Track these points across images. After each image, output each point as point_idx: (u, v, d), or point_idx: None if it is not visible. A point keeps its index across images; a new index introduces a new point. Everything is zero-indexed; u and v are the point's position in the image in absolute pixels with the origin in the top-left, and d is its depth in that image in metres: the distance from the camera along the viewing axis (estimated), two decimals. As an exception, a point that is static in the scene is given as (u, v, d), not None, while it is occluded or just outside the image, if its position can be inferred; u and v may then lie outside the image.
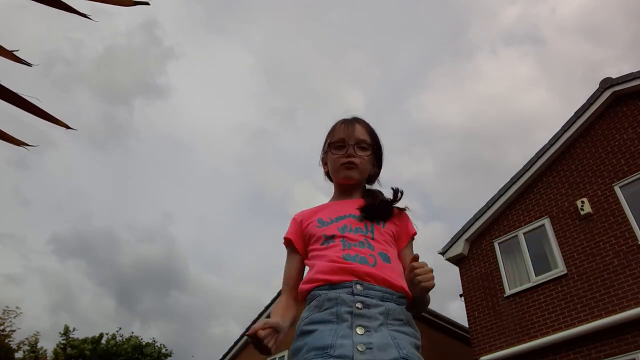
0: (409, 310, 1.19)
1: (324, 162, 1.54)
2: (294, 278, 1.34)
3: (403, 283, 1.19)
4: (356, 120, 1.50)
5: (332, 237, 1.28)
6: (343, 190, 1.47)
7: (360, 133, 1.45)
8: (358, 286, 1.13)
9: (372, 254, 1.22)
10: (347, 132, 1.44)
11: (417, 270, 1.14)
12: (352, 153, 1.41)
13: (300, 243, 1.38)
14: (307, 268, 1.33)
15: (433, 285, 1.14)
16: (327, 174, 1.53)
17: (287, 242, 1.40)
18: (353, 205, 1.38)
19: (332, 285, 1.15)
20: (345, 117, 1.52)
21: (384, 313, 1.10)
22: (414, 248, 1.41)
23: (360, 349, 1.00)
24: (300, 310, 1.23)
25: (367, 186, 1.51)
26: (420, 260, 1.19)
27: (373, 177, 1.51)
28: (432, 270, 1.15)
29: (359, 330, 1.05)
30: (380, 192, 1.47)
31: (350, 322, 1.07)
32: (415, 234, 1.40)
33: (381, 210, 1.35)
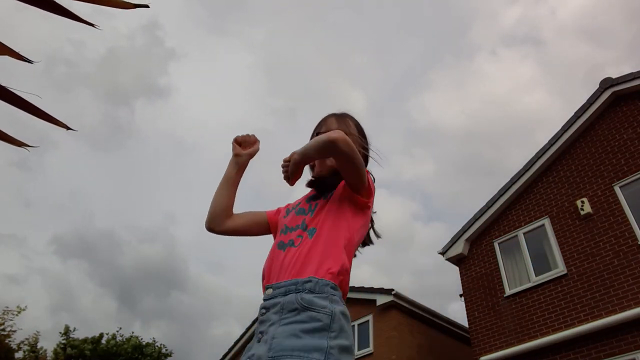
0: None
1: None
2: (247, 216, 1.46)
3: (315, 264, 1.13)
4: (332, 114, 1.49)
5: (285, 225, 1.31)
6: None
7: (325, 126, 1.44)
8: (268, 291, 1.14)
9: (302, 235, 1.21)
10: (316, 129, 1.47)
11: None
12: None
13: (272, 218, 1.45)
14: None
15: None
16: (312, 168, 1.54)
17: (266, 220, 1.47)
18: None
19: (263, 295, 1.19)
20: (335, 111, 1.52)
21: (279, 311, 1.07)
22: None
23: None
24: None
25: None
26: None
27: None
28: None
29: (260, 336, 1.08)
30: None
31: (257, 329, 1.12)
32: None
33: (319, 188, 1.35)
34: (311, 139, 1.46)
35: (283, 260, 1.17)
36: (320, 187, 1.34)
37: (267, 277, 1.21)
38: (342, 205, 1.25)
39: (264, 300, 1.13)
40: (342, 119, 1.46)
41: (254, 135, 1.48)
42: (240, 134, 1.47)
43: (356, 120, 1.50)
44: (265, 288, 1.17)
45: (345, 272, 1.15)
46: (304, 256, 1.14)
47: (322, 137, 1.20)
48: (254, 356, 1.03)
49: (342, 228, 1.21)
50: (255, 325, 1.15)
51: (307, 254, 1.14)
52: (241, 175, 1.47)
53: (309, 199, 1.34)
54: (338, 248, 1.17)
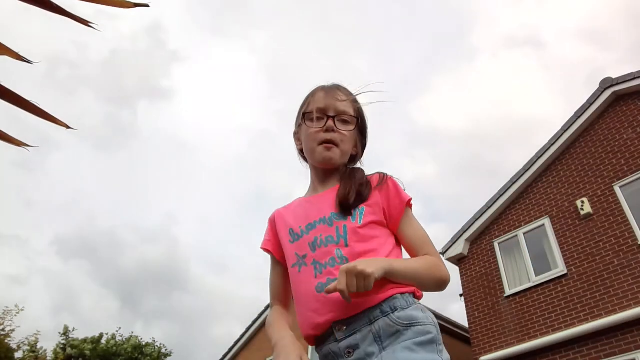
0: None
1: (297, 138, 1.28)
2: (281, 289, 1.19)
3: (384, 291, 0.98)
4: (337, 87, 1.23)
5: (304, 257, 1.07)
6: (319, 176, 1.22)
7: (343, 103, 1.18)
8: (338, 334, 0.97)
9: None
10: (326, 101, 1.18)
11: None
12: (332, 127, 1.15)
13: (279, 252, 1.19)
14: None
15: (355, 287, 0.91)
16: (302, 152, 1.26)
17: (267, 252, 1.22)
18: (325, 202, 1.13)
19: (319, 341, 1.02)
20: (324, 84, 1.26)
21: (376, 340, 0.94)
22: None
23: None
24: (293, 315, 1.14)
25: (349, 167, 1.24)
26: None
27: (355, 157, 1.25)
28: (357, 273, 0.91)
29: None
30: (356, 172, 1.19)
31: None
32: (409, 200, 1.13)
33: (356, 201, 1.09)
34: (302, 113, 1.22)
35: (338, 300, 0.97)
36: (347, 209, 1.09)
37: (316, 324, 1.01)
38: (375, 226, 1.09)
39: (341, 341, 0.96)
40: (357, 106, 1.23)
41: None
42: None
43: (362, 109, 1.26)
44: (333, 328, 0.98)
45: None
46: (376, 295, 0.98)
47: (436, 271, 1.05)
48: None
49: (389, 244, 1.08)
50: None
51: (378, 293, 0.98)
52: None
53: (331, 220, 1.08)
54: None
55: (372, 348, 0.94)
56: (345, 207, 1.08)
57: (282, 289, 1.19)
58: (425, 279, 1.05)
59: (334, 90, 1.22)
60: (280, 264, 1.19)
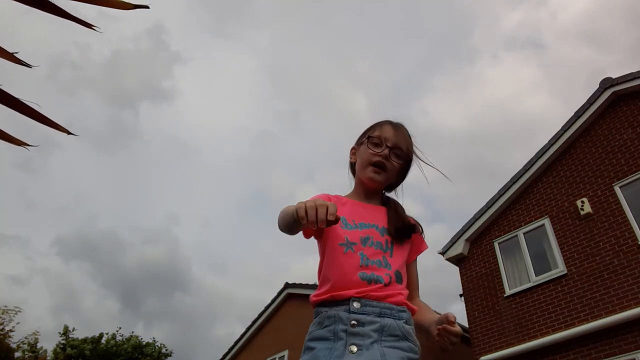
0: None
1: (353, 153, 1.50)
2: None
3: (406, 300, 1.24)
4: (402, 126, 1.47)
5: (353, 244, 1.26)
6: (364, 190, 1.44)
7: (402, 141, 1.42)
8: (355, 304, 1.16)
9: (389, 273, 1.24)
10: (391, 134, 1.41)
11: (449, 336, 1.13)
12: (387, 155, 1.38)
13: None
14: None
15: (453, 345, 1.16)
16: (352, 165, 1.49)
17: None
18: (376, 215, 1.36)
19: (334, 302, 1.19)
20: (392, 120, 1.50)
21: (379, 330, 1.13)
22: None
23: None
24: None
25: (386, 193, 1.49)
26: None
27: (394, 185, 1.49)
28: (459, 335, 1.13)
29: (353, 349, 1.10)
30: (400, 206, 1.44)
31: (345, 341, 1.12)
32: (425, 249, 1.43)
33: (406, 234, 1.35)
34: (367, 136, 1.43)
35: (370, 289, 1.20)
36: (398, 236, 1.34)
37: (348, 288, 1.19)
38: (407, 254, 1.36)
39: (352, 312, 1.15)
40: (410, 148, 1.46)
41: None
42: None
43: (413, 151, 1.49)
44: (351, 300, 1.17)
45: None
46: (400, 288, 1.24)
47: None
48: None
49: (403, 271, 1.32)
50: (335, 330, 1.15)
51: (402, 287, 1.26)
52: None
53: (382, 232, 1.32)
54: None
55: (374, 334, 1.12)
56: (396, 234, 1.32)
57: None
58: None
59: (400, 127, 1.45)
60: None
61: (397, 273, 1.26)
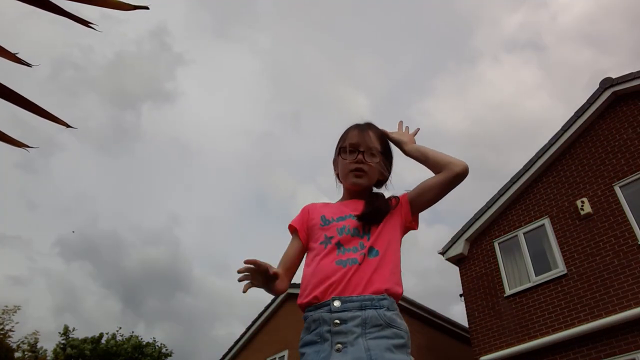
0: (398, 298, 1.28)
1: (335, 165, 1.59)
2: (292, 259, 1.43)
3: (386, 283, 1.25)
4: (368, 127, 1.53)
5: (331, 239, 1.34)
6: (351, 194, 1.51)
7: (372, 140, 1.48)
8: (336, 302, 1.19)
9: (363, 252, 1.28)
10: (358, 138, 1.48)
11: (392, 135, 1.45)
12: (362, 159, 1.45)
13: (303, 233, 1.45)
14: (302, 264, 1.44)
15: (401, 138, 1.48)
16: (338, 176, 1.57)
17: (292, 230, 1.47)
18: (355, 207, 1.42)
19: (316, 305, 1.23)
20: (358, 122, 1.55)
21: (361, 324, 1.15)
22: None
23: None
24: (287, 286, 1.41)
25: (375, 189, 1.54)
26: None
27: (382, 181, 1.55)
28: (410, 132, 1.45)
29: (338, 347, 1.13)
30: (381, 196, 1.49)
31: (331, 341, 1.16)
32: (407, 195, 1.47)
33: (375, 217, 1.38)
34: (339, 147, 1.53)
35: (348, 277, 1.23)
36: (368, 221, 1.37)
37: (324, 289, 1.23)
38: (396, 229, 1.39)
39: (334, 312, 1.18)
40: (384, 142, 1.53)
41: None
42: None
43: (388, 143, 1.57)
44: (331, 300, 1.20)
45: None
46: (369, 275, 1.24)
47: (457, 160, 1.37)
48: None
49: (398, 251, 1.35)
50: (321, 332, 1.18)
51: (372, 275, 1.24)
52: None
53: (359, 219, 1.37)
54: (399, 271, 1.32)
55: (356, 328, 1.14)
56: (365, 219, 1.36)
57: (293, 258, 1.43)
58: (440, 157, 1.39)
59: (365, 128, 1.51)
60: (300, 241, 1.44)
61: (372, 250, 1.29)
